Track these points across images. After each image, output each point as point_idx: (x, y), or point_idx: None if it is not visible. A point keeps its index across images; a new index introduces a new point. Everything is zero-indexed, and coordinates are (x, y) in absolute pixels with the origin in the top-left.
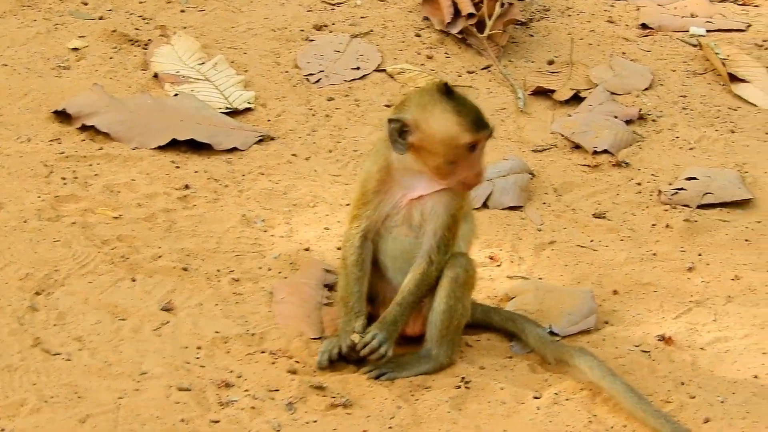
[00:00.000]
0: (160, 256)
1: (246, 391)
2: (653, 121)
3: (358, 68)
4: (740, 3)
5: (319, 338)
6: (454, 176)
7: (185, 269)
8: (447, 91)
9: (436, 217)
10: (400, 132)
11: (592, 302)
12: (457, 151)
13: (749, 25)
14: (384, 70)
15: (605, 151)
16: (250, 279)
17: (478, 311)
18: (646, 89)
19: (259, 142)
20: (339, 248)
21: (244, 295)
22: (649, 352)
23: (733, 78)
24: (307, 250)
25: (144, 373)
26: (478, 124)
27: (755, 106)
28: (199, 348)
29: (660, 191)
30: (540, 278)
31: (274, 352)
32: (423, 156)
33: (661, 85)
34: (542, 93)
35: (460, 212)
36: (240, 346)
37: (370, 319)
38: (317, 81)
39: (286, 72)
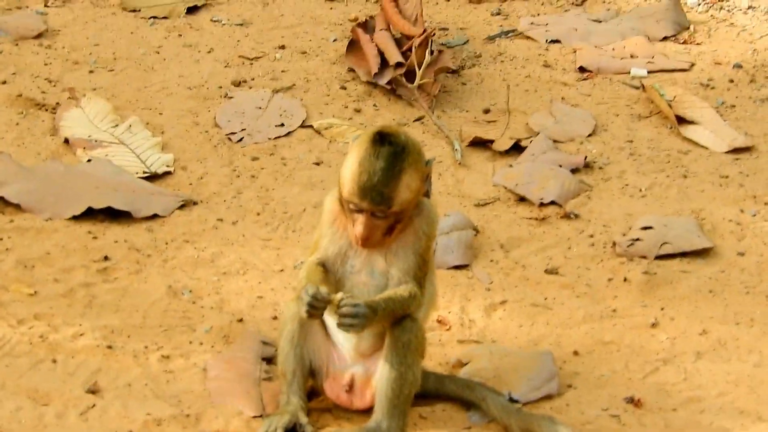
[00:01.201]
0: (81, 335)
1: None
2: (600, 168)
3: (282, 125)
4: (681, 42)
5: (260, 416)
6: (350, 227)
7: (110, 347)
8: (379, 140)
9: (404, 257)
10: None
11: (552, 365)
12: (343, 201)
13: (693, 64)
14: (310, 126)
15: (552, 203)
16: (180, 355)
17: (430, 379)
18: (590, 135)
19: (181, 207)
20: (275, 318)
21: (175, 372)
22: (618, 416)
23: (681, 120)
24: (240, 321)
25: None
26: (363, 191)
27: (706, 148)
28: None
29: (615, 243)
30: (494, 341)
31: None
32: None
33: (605, 130)
34: (480, 144)
35: (428, 253)
36: (174, 429)
37: (313, 395)
38: (240, 140)
39: (206, 132)
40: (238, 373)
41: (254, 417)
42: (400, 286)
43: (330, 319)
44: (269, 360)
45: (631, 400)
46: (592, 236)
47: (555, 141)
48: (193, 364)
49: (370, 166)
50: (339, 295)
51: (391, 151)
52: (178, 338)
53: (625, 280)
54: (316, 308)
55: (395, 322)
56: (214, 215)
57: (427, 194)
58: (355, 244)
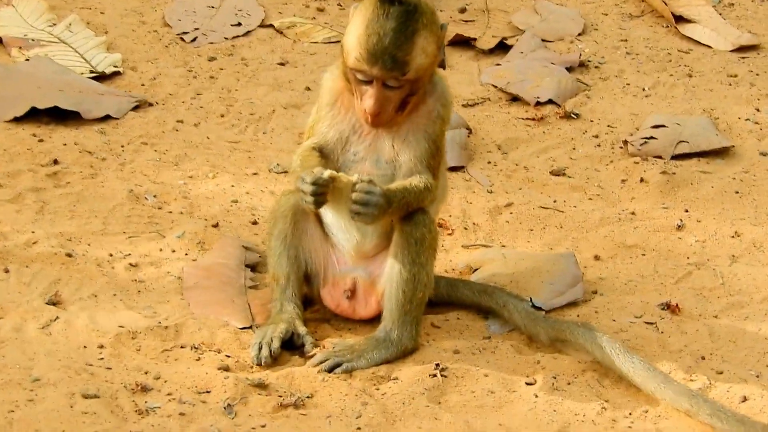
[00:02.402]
0: (35, 242)
1: (169, 395)
2: (596, 68)
3: (239, 24)
4: None
5: (249, 327)
6: (355, 101)
7: (69, 255)
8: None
9: (415, 143)
10: None
11: (576, 268)
12: (349, 72)
13: None
14: (271, 26)
15: (549, 102)
16: (151, 263)
17: (441, 284)
18: (580, 34)
19: (136, 108)
20: (255, 222)
21: (146, 282)
22: (654, 323)
23: (679, 19)
24: (215, 226)
25: (37, 380)
26: (373, 55)
27: (709, 47)
28: (101, 347)
29: (626, 142)
30: (503, 246)
31: (197, 347)
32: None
33: (596, 29)
34: (462, 42)
35: (441, 139)
36: (152, 342)
37: (307, 304)
38: (193, 40)
39: (155, 31)
40: (219, 281)
41: (242, 328)
42: (410, 176)
43: (329, 214)
44: (253, 267)
45: (666, 306)
46: (597, 136)
47: (543, 40)
48: (166, 272)
49: (380, 28)
50: (355, 177)
51: (403, 10)
52: (146, 245)
53: (641, 180)
54: (321, 194)
55: (405, 216)
56: (173, 117)
57: (443, 65)
58: (364, 122)
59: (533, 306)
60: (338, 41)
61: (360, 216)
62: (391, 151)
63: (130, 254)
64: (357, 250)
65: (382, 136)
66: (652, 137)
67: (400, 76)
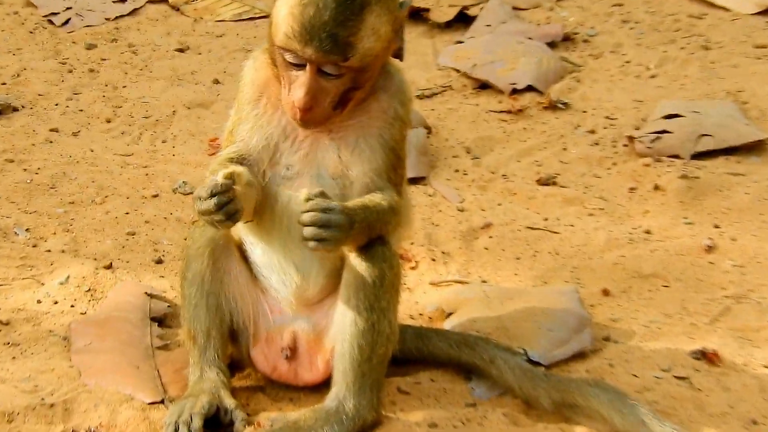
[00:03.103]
0: None
1: None
2: (586, 41)
3: (123, 0)
4: None
5: (161, 402)
6: (282, 92)
7: None
8: None
9: (370, 152)
10: None
11: (580, 308)
12: (277, 53)
13: None
14: (164, 1)
15: (529, 89)
16: (26, 319)
17: (408, 336)
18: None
19: None
20: (160, 261)
21: (22, 345)
22: (687, 378)
23: None
24: (108, 268)
25: None
26: (307, 30)
27: (728, 10)
28: None
29: (632, 138)
30: (484, 281)
31: (93, 431)
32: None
33: None
34: (412, 15)
35: (402, 147)
36: (35, 426)
37: (235, 367)
38: (65, 23)
39: (15, 13)
40: (118, 341)
41: (152, 403)
42: (366, 194)
43: (257, 248)
44: (161, 321)
45: (701, 355)
46: (593, 132)
47: (514, 8)
48: (47, 331)
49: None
50: (305, 192)
51: None
52: (20, 296)
53: (656, 188)
54: (228, 202)
55: (360, 249)
56: (45, 124)
57: (400, 55)
58: (293, 120)
59: (529, 360)
60: (253, 18)
61: (318, 243)
62: (337, 163)
63: None
64: (297, 295)
65: (323, 143)
66: (664, 131)
67: (341, 62)
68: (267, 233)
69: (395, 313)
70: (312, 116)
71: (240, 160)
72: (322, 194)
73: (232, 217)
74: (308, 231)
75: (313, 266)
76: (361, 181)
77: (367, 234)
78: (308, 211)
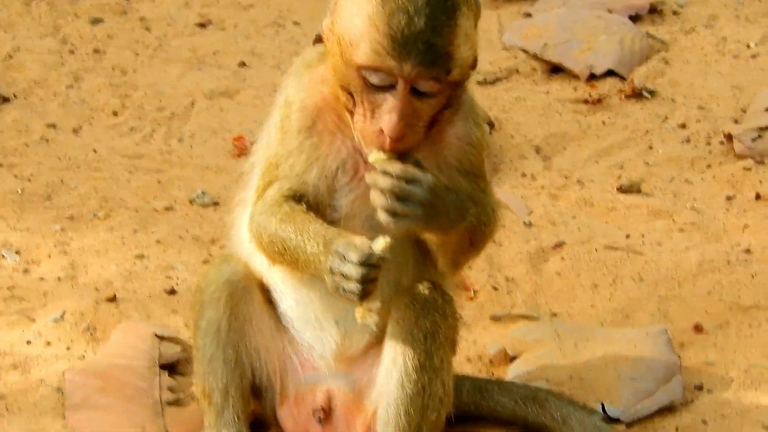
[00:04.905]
0: None
1: None
2: (675, 14)
3: None
4: None
5: None
6: (356, 118)
7: None
8: None
9: (450, 183)
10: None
11: (670, 352)
12: (353, 75)
13: None
14: None
15: (610, 74)
16: (13, 366)
17: (465, 389)
18: None
19: None
20: (172, 292)
21: (7, 398)
22: None
23: None
24: (112, 300)
25: None
26: (402, 44)
27: None
28: None
29: (728, 135)
30: (555, 314)
31: None
32: (327, 65)
33: None
34: None
35: (483, 172)
36: None
37: (255, 427)
38: None
39: None
40: (121, 396)
41: None
42: None
43: (290, 296)
44: (172, 367)
45: None
46: (684, 126)
47: None
48: (38, 380)
49: (408, 1)
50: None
51: None
52: (6, 335)
53: (757, 197)
54: (372, 280)
55: (409, 294)
56: (41, 119)
57: (473, 63)
58: (358, 154)
59: (606, 417)
60: None
61: (395, 219)
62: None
63: None
64: (337, 355)
65: None
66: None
67: (443, 76)
68: (301, 281)
69: (450, 371)
70: (403, 146)
71: (298, 199)
72: (417, 163)
73: (364, 296)
74: (383, 201)
75: (374, 320)
76: None
77: (448, 224)
78: (389, 176)
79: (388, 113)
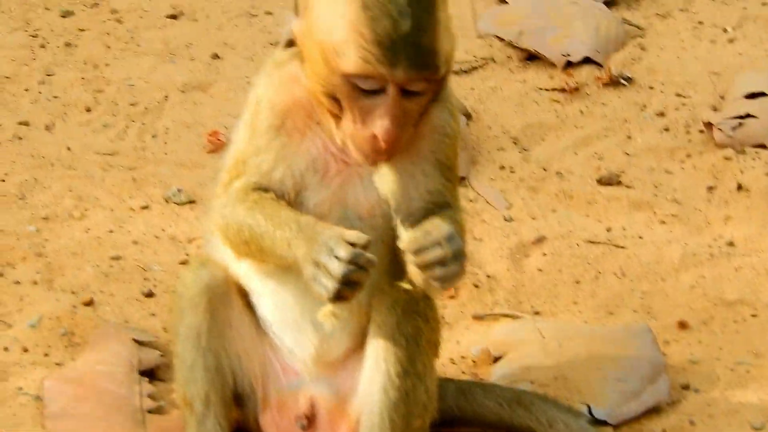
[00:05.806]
0: None
1: None
2: None
3: None
4: None
5: None
6: (344, 123)
7: None
8: None
9: (423, 177)
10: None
11: (655, 351)
12: (340, 83)
13: None
14: None
15: (586, 61)
16: None
17: (449, 393)
18: None
19: None
20: (150, 294)
21: None
22: None
23: None
24: (89, 304)
25: None
26: (391, 50)
27: None
28: None
29: (708, 124)
30: (537, 312)
31: None
32: (306, 70)
33: None
34: None
35: (456, 162)
36: None
37: None
38: None
39: None
40: (100, 404)
41: None
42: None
43: (268, 301)
44: (152, 373)
45: None
46: (662, 114)
47: None
48: (15, 389)
49: (391, 1)
50: (407, 235)
51: None
52: None
53: (739, 187)
54: (355, 282)
55: (389, 299)
56: (14, 116)
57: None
58: (329, 155)
59: (593, 419)
60: None
61: (443, 282)
62: (372, 202)
63: None
64: (316, 358)
65: (355, 178)
66: (748, 115)
67: (434, 75)
68: (279, 283)
69: (434, 375)
70: (396, 148)
71: (264, 191)
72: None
73: (340, 298)
74: (431, 272)
75: (336, 326)
76: (417, 207)
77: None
78: (433, 246)
79: (380, 118)
